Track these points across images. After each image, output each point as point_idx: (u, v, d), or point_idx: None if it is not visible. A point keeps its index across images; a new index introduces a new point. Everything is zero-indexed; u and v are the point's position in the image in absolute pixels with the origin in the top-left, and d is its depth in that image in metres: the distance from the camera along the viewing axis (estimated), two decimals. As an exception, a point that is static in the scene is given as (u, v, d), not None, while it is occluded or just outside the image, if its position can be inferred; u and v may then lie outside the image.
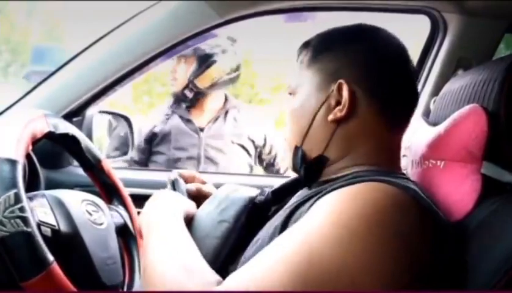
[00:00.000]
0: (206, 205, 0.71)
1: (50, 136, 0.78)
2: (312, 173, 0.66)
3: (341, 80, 0.61)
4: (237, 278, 0.47)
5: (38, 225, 0.66)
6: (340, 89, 0.62)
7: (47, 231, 0.67)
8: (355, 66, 0.63)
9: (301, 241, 0.47)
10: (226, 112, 1.69)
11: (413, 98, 0.67)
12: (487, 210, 0.56)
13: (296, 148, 0.67)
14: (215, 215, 0.67)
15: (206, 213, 0.69)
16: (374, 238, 0.46)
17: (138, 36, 1.08)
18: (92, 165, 0.90)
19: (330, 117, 0.62)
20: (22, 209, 0.59)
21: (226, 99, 1.72)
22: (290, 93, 0.70)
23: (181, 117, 1.68)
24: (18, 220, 0.58)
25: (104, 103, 1.23)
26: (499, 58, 0.68)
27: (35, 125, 0.72)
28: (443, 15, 1.06)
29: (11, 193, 0.59)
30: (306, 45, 0.69)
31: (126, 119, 1.41)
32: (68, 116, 1.12)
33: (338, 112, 0.62)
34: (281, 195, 0.76)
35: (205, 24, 1.06)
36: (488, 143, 0.57)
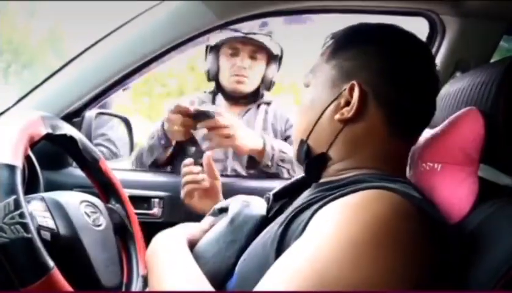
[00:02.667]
0: (220, 223, 0.69)
1: (48, 137, 0.78)
2: (313, 170, 0.66)
3: (354, 81, 0.61)
4: None
5: (38, 230, 0.66)
6: (351, 90, 0.61)
7: (47, 235, 0.68)
8: (370, 69, 0.62)
9: (310, 260, 0.46)
10: (259, 105, 1.52)
11: (429, 111, 0.65)
12: (484, 213, 0.56)
13: (302, 142, 0.67)
14: (228, 234, 0.66)
15: (219, 231, 0.67)
16: (383, 251, 0.45)
17: (138, 38, 1.08)
18: (90, 165, 0.90)
19: (337, 116, 0.62)
20: (22, 215, 0.59)
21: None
22: (306, 85, 0.70)
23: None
24: (18, 226, 0.58)
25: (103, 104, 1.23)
26: (497, 61, 0.68)
27: (33, 128, 0.72)
28: (442, 17, 1.06)
29: (11, 199, 0.59)
30: (332, 37, 0.69)
31: (125, 120, 1.42)
32: (68, 118, 1.12)
33: (346, 112, 0.61)
34: (283, 197, 0.76)
35: (204, 26, 1.06)
36: (485, 146, 0.57)
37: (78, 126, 1.14)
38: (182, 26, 1.06)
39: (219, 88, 1.53)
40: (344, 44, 0.66)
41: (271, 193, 0.76)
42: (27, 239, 0.58)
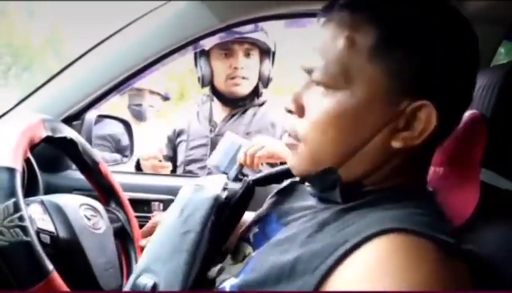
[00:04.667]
0: (169, 215, 0.63)
1: (48, 140, 0.78)
2: (343, 198, 0.52)
3: (426, 102, 0.47)
4: None
5: (37, 233, 0.66)
6: (418, 111, 0.47)
7: (46, 238, 0.68)
8: (441, 79, 0.47)
9: None
10: (245, 110, 1.48)
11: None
12: (486, 217, 0.56)
13: (329, 170, 0.52)
14: (179, 225, 0.59)
15: (170, 224, 0.61)
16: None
17: (139, 41, 1.08)
18: (90, 168, 0.90)
19: (397, 144, 0.48)
20: (21, 218, 0.59)
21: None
22: (317, 83, 0.52)
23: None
24: (17, 229, 0.58)
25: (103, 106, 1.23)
26: (498, 65, 0.68)
27: (33, 131, 0.72)
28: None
29: (10, 202, 0.59)
30: (361, 9, 0.48)
31: (126, 123, 1.42)
32: (68, 120, 1.12)
33: (410, 140, 0.48)
34: (263, 184, 0.72)
35: (206, 29, 1.06)
36: (487, 150, 0.57)
37: (78, 129, 1.14)
38: (183, 29, 1.06)
39: (215, 93, 1.50)
40: (399, 36, 0.47)
41: (252, 178, 0.70)
42: (26, 242, 0.58)
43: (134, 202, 1.03)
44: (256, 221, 0.66)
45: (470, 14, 1.01)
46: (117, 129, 1.47)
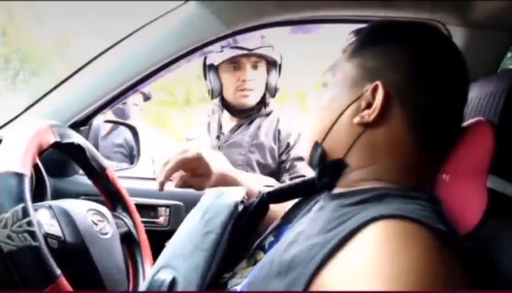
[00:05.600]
0: (192, 216, 0.68)
1: (56, 146, 0.78)
2: (327, 176, 0.61)
3: (378, 82, 0.56)
4: None
5: (45, 237, 0.66)
6: (374, 91, 0.56)
7: (54, 243, 0.68)
8: (397, 69, 0.56)
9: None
10: (252, 120, 1.52)
11: (456, 119, 0.60)
12: (493, 224, 0.56)
13: (316, 144, 0.62)
14: (201, 226, 0.64)
15: (192, 226, 0.66)
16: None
17: (146, 47, 1.09)
18: (97, 173, 0.91)
19: (357, 119, 0.57)
20: (29, 223, 0.59)
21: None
22: (324, 84, 0.65)
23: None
24: (26, 234, 0.58)
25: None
26: (505, 71, 0.68)
27: (41, 136, 0.73)
28: (448, 28, 1.06)
29: (19, 207, 0.60)
30: (356, 33, 0.63)
31: (132, 128, 1.42)
32: (75, 126, 1.13)
33: (366, 116, 0.56)
34: (278, 198, 0.76)
35: (213, 35, 1.07)
36: (494, 157, 0.57)
37: (85, 135, 1.15)
38: (190, 35, 1.06)
39: (224, 104, 1.55)
40: (369, 41, 0.61)
41: (265, 191, 0.75)
42: (34, 247, 0.59)
43: (140, 207, 1.03)
44: (271, 231, 0.70)
45: (477, 20, 1.02)
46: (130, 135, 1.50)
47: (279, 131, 1.48)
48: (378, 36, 0.61)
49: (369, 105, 0.57)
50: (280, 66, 1.53)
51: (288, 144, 1.46)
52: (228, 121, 1.56)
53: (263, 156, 1.46)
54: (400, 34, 0.60)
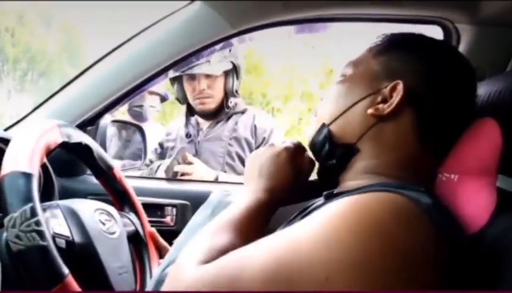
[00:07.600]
0: (200, 214, 0.71)
1: (64, 146, 0.79)
2: (333, 158, 0.64)
3: (399, 81, 0.61)
4: (227, 256, 0.49)
5: (53, 237, 0.66)
6: (393, 88, 0.61)
7: (62, 243, 0.68)
8: (416, 74, 0.62)
9: (291, 235, 0.47)
10: (230, 117, 1.66)
11: (460, 128, 0.63)
12: (503, 224, 0.55)
13: (322, 126, 0.66)
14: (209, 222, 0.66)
15: (200, 222, 0.68)
16: (360, 246, 0.43)
17: (152, 47, 1.10)
18: (104, 173, 0.91)
19: (371, 110, 0.61)
20: (38, 223, 0.60)
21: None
22: (343, 74, 0.69)
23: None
24: (34, 234, 0.59)
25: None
26: (513, 70, 0.67)
27: (49, 136, 0.73)
28: (457, 26, 1.05)
29: (27, 207, 0.60)
30: (385, 36, 0.70)
31: (139, 128, 1.43)
32: (82, 126, 1.13)
33: (381, 109, 0.61)
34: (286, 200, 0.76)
35: (218, 35, 1.07)
36: (503, 156, 0.57)
37: (92, 134, 1.16)
38: (196, 35, 1.07)
39: (191, 110, 1.70)
40: (396, 44, 0.66)
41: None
42: (42, 247, 0.59)
43: (147, 206, 1.04)
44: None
45: (485, 18, 1.01)
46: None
47: (255, 126, 1.63)
48: (406, 43, 0.66)
49: (384, 100, 0.62)
50: (237, 68, 1.63)
51: (264, 138, 1.60)
52: (203, 121, 1.70)
53: (241, 149, 1.59)
54: (423, 46, 0.66)
